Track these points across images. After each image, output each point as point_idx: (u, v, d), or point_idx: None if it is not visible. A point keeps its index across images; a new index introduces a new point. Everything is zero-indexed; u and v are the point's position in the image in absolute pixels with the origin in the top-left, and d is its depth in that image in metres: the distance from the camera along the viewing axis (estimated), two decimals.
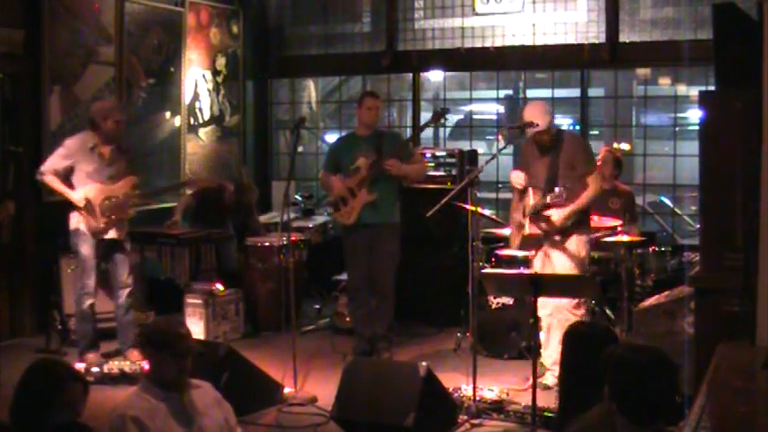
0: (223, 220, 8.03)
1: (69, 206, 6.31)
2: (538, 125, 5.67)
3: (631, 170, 8.73)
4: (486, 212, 7.12)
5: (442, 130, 10.21)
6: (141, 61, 8.10)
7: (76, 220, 6.28)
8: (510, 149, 8.33)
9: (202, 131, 8.93)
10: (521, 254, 6.70)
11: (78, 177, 6.26)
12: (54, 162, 6.27)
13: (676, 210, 9.05)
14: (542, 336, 5.87)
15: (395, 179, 6.51)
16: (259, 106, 9.70)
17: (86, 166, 6.26)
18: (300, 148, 9.72)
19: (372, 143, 6.52)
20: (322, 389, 5.74)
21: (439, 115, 6.49)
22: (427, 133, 8.17)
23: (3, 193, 6.82)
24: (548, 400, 5.29)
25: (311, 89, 10.36)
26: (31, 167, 7.11)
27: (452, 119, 10.20)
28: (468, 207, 5.76)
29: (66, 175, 6.27)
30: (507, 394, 5.56)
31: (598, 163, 6.52)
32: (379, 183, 6.43)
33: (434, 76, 9.46)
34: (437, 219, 6.40)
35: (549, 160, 5.78)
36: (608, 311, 6.65)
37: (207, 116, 8.97)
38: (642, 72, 9.27)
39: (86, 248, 6.29)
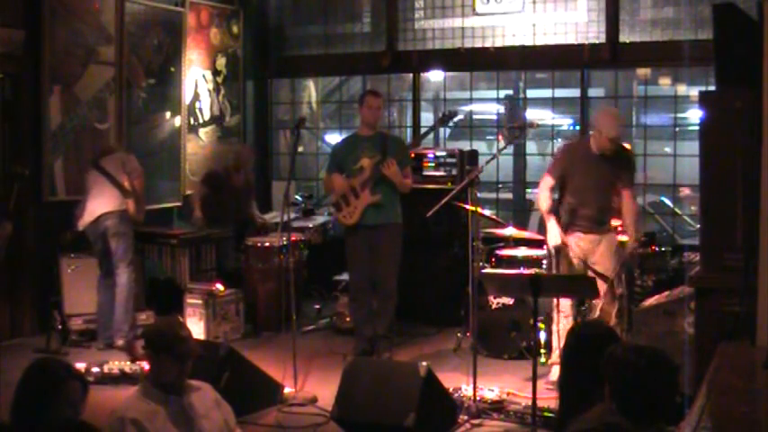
0: (239, 204, 8.05)
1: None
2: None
3: None
4: (486, 212, 7.12)
5: (442, 129, 10.20)
6: (141, 61, 8.10)
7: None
8: (510, 149, 8.32)
9: (202, 131, 8.93)
10: (521, 254, 6.69)
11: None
12: None
13: (676, 210, 9.04)
14: (554, 334, 5.91)
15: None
16: (259, 106, 9.69)
17: None
18: (300, 148, 9.73)
19: (376, 144, 6.47)
20: (322, 389, 5.74)
21: (446, 118, 6.47)
22: None
23: (2, 214, 6.80)
24: (548, 401, 5.28)
25: (311, 89, 10.36)
26: (32, 168, 7.12)
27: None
28: (468, 207, 5.76)
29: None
30: (507, 394, 5.56)
31: None
32: (383, 184, 6.40)
33: (434, 76, 9.46)
34: (437, 219, 6.41)
35: (608, 168, 5.84)
36: None
37: (207, 116, 8.97)
38: (642, 72, 9.26)
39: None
